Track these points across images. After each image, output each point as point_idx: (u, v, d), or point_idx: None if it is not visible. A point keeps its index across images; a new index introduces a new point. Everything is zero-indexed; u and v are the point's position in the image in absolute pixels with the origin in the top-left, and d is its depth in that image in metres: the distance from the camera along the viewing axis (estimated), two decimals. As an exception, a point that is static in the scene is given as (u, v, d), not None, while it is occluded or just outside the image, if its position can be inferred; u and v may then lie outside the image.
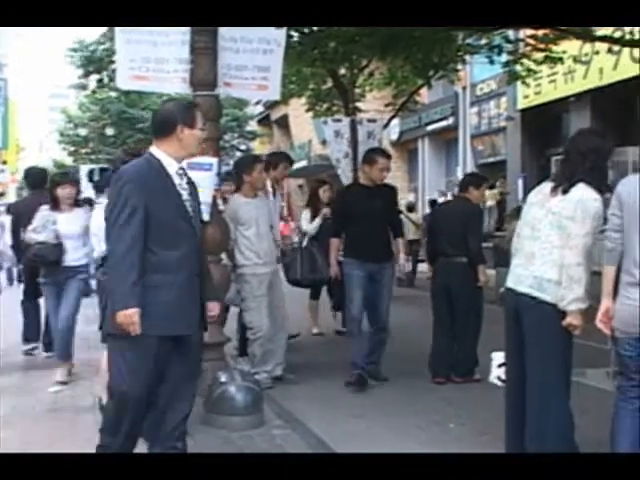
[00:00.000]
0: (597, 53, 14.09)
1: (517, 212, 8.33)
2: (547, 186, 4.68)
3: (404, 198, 20.04)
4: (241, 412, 5.72)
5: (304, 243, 9.31)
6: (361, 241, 7.15)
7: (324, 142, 15.79)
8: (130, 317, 3.99)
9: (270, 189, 7.76)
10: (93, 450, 4.31)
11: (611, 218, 4.24)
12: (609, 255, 4.24)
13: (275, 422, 5.89)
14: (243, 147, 36.92)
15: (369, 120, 14.71)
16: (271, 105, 34.22)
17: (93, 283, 7.27)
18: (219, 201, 6.71)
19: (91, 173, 21.92)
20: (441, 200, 18.14)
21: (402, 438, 5.54)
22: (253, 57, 6.64)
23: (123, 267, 4.03)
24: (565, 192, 4.51)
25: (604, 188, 4.56)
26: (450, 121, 24.06)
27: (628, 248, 4.14)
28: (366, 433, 5.73)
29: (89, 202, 15.46)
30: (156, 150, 4.30)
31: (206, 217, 5.97)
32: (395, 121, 20.13)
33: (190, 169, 4.86)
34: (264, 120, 38.71)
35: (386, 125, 15.87)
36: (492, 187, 20.36)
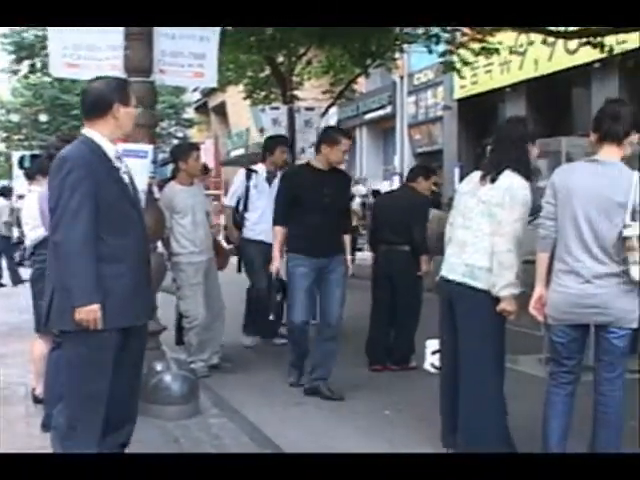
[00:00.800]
0: (532, 44, 14.29)
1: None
2: (477, 175, 4.76)
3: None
4: (177, 401, 5.70)
5: None
6: (310, 232, 6.25)
7: (262, 130, 15.73)
8: (94, 313, 3.83)
9: (265, 174, 7.99)
10: (26, 441, 4.25)
11: (545, 206, 4.30)
12: (542, 242, 4.31)
13: (212, 411, 5.88)
14: (180, 135, 36.65)
15: (307, 108, 14.69)
16: (208, 92, 34.01)
17: (24, 272, 7.17)
18: (154, 189, 6.65)
19: (22, 160, 21.48)
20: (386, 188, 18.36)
21: (339, 425, 5.58)
22: (189, 44, 6.58)
23: (80, 260, 3.83)
24: (493, 180, 4.58)
25: (531, 175, 4.65)
26: (388, 110, 24.21)
27: (561, 236, 4.22)
28: (303, 421, 5.75)
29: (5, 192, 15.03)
30: (90, 132, 4.07)
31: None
32: (333, 109, 20.17)
33: (125, 156, 4.79)
34: (201, 107, 38.47)
35: (324, 113, 15.88)
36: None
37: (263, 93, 17.69)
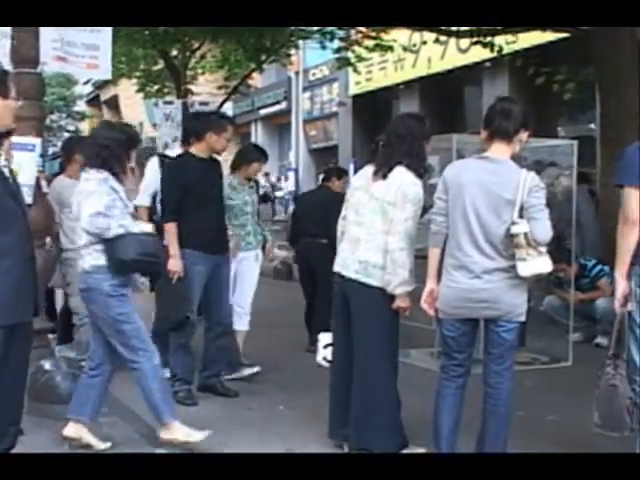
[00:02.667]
0: (425, 43, 14.52)
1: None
2: (369, 170, 4.80)
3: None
4: (67, 400, 5.57)
5: None
6: (205, 227, 6.02)
7: (155, 125, 15.58)
8: None
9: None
10: None
11: (436, 202, 4.36)
12: (434, 238, 4.37)
13: (102, 409, 5.76)
14: (71, 128, 35.89)
15: (201, 103, 14.65)
16: (100, 85, 33.38)
17: None
18: (43, 183, 6.49)
19: None
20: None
21: (233, 420, 5.56)
22: (80, 34, 6.46)
23: None
24: (385, 176, 4.63)
25: (422, 171, 4.72)
26: (283, 105, 24.23)
27: (452, 232, 4.29)
28: (197, 417, 5.70)
29: None
30: None
31: (29, 200, 5.76)
32: (228, 104, 20.06)
33: (12, 149, 4.66)
34: (93, 100, 37.74)
35: (219, 108, 15.80)
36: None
37: (156, 87, 17.49)
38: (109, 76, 7.10)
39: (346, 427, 4.80)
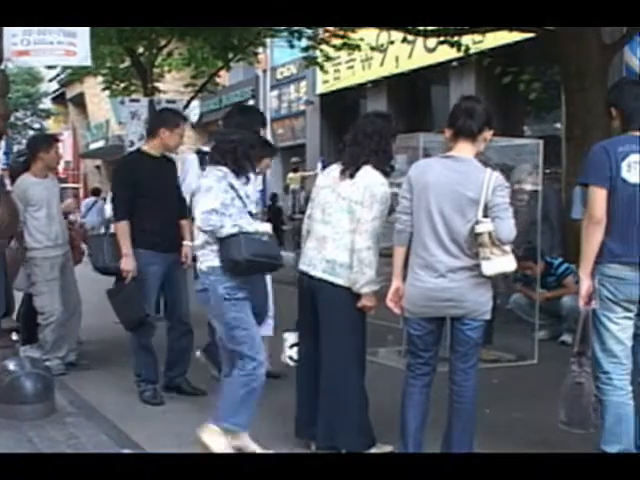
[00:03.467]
0: (392, 43, 14.56)
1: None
2: (336, 169, 4.80)
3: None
4: (31, 400, 5.54)
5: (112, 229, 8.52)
6: (158, 226, 5.94)
7: (121, 123, 15.51)
8: None
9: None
10: None
11: (401, 201, 4.36)
12: (399, 236, 4.37)
13: (68, 409, 5.74)
14: (37, 125, 35.60)
15: (168, 101, 14.52)
16: (66, 82, 33.12)
17: None
18: (6, 181, 6.43)
19: None
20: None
21: (200, 421, 5.52)
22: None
23: None
24: (352, 176, 4.64)
25: (389, 170, 4.73)
26: (251, 104, 24.16)
27: (417, 230, 4.29)
28: (164, 418, 5.70)
29: None
30: None
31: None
32: (195, 102, 20.04)
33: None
34: (59, 98, 37.43)
35: (186, 106, 15.74)
36: (296, 170, 20.72)
37: (123, 84, 17.37)
38: (88, 63, 6.94)
39: (313, 426, 4.79)
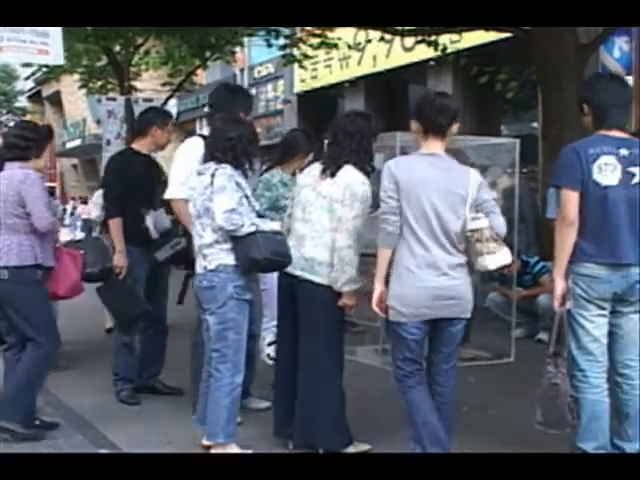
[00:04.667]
0: (369, 42, 14.58)
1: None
2: (317, 168, 4.81)
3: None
4: (8, 401, 5.51)
5: (94, 233, 7.39)
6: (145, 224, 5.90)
7: (99, 121, 15.45)
8: None
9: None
10: None
11: (388, 201, 4.21)
12: (388, 238, 4.22)
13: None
14: (12, 124, 35.34)
15: (145, 99, 14.47)
16: (42, 81, 32.92)
17: None
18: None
19: None
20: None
21: (178, 420, 5.52)
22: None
23: None
24: (333, 175, 4.64)
25: (370, 169, 4.73)
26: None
27: (410, 230, 4.18)
28: (141, 418, 5.68)
29: None
30: None
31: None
32: (172, 101, 19.93)
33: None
34: (35, 96, 37.25)
35: (163, 105, 15.66)
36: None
37: (99, 83, 17.29)
38: (61, 61, 6.93)
39: (291, 425, 4.80)
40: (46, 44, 6.40)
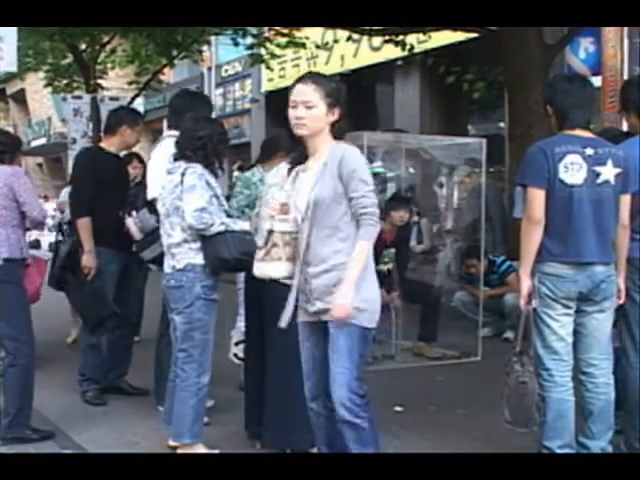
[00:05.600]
0: (337, 42, 14.60)
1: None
2: (284, 168, 4.79)
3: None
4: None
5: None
6: (116, 224, 5.80)
7: (64, 120, 15.35)
8: None
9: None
10: None
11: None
12: None
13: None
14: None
15: (111, 98, 14.43)
16: (6, 79, 32.57)
17: None
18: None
19: None
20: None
21: (144, 420, 5.51)
22: (-18, 24, 6.27)
23: None
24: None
25: None
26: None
27: None
28: (107, 418, 5.65)
29: None
30: None
31: None
32: (139, 100, 19.81)
33: None
34: (-1, 94, 36.85)
35: (130, 104, 15.60)
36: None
37: (65, 81, 17.17)
38: (14, 68, 6.88)
39: (260, 425, 4.79)
40: (0, 49, 6.34)
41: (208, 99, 6.45)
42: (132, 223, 5.99)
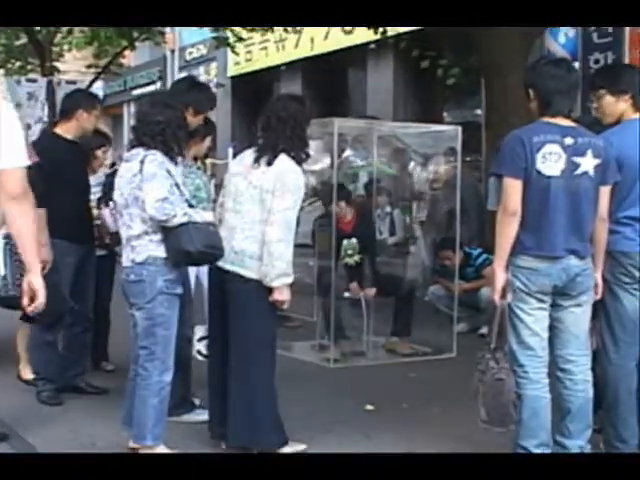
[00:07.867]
0: (307, 23, 14.56)
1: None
2: (249, 156, 4.77)
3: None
4: None
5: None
6: (72, 214, 5.80)
7: (18, 104, 15.18)
8: None
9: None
10: None
11: None
12: None
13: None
14: None
15: (68, 82, 14.32)
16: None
17: None
18: None
19: None
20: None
21: (102, 420, 5.48)
22: None
23: None
24: (270, 164, 4.61)
25: (304, 157, 4.72)
26: (158, 86, 23.91)
27: None
28: (61, 419, 5.62)
29: None
30: None
31: None
32: (98, 84, 19.64)
33: None
34: (-51, 77, 36.50)
35: (88, 88, 15.48)
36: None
37: (19, 63, 17.03)
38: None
39: (225, 425, 4.79)
40: None
41: (214, 94, 6.37)
42: (108, 214, 5.98)
